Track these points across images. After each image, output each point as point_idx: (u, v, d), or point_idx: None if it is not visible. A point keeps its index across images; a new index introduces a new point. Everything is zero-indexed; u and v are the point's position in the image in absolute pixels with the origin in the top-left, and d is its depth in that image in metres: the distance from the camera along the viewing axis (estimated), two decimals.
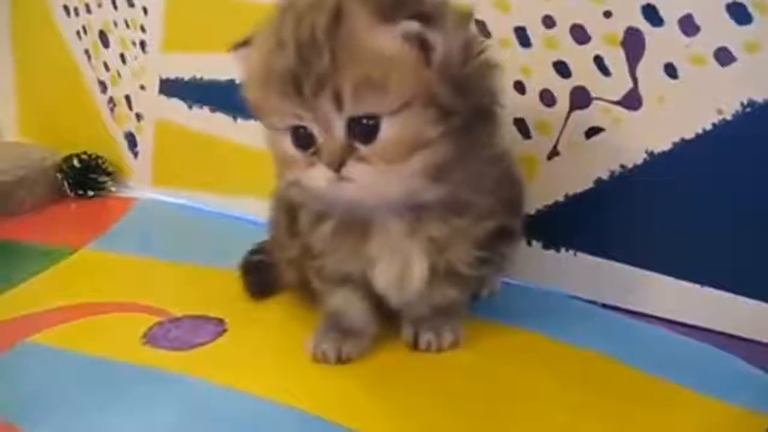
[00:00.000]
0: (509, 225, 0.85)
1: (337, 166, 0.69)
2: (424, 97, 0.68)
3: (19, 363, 0.85)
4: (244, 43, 0.74)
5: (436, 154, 0.70)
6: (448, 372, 0.81)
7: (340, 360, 0.83)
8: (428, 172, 0.71)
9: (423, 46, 0.68)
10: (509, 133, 0.96)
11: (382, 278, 0.80)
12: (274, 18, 0.71)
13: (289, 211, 0.85)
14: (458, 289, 0.84)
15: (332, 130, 0.69)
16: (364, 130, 0.68)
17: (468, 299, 0.88)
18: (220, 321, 0.93)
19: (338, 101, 0.67)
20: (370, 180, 0.69)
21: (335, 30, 0.67)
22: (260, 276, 0.98)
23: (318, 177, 0.70)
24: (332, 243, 0.80)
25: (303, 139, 0.71)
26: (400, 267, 0.79)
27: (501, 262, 0.89)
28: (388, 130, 0.68)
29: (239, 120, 1.27)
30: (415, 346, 0.84)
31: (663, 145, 0.89)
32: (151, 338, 0.90)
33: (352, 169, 0.69)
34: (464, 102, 0.70)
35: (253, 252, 1.01)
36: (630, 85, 0.90)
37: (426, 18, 0.67)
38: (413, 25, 0.67)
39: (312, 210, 0.80)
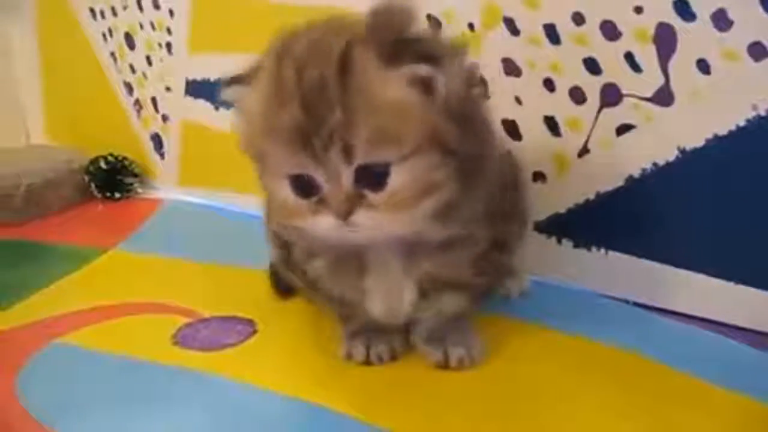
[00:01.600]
0: (500, 237, 0.82)
1: (345, 215, 0.66)
2: (430, 138, 0.65)
3: (50, 364, 0.85)
4: (238, 80, 0.71)
5: (443, 195, 0.68)
6: (478, 372, 0.81)
7: (371, 361, 0.82)
8: (435, 213, 0.69)
9: (426, 87, 0.65)
10: (541, 131, 0.97)
11: (376, 308, 0.80)
12: (269, 63, 0.68)
13: (283, 245, 0.84)
14: (464, 296, 0.82)
15: (340, 180, 0.66)
16: (373, 177, 0.66)
17: (474, 312, 0.85)
18: (250, 321, 0.93)
19: (348, 154, 0.64)
20: (377, 225, 0.67)
21: (345, 81, 0.64)
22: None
23: (323, 224, 0.68)
24: (327, 277, 0.80)
25: (305, 187, 0.68)
26: (392, 297, 0.79)
27: (498, 268, 0.87)
28: (397, 176, 0.66)
29: None
30: (446, 365, 0.81)
31: (696, 142, 0.88)
32: (181, 339, 0.90)
33: (360, 217, 0.67)
34: (464, 138, 0.67)
35: None
36: (662, 81, 0.89)
37: (430, 59, 0.65)
38: (422, 68, 0.65)
39: (303, 248, 0.79)
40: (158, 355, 0.86)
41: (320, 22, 0.69)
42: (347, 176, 0.66)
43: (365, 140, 0.64)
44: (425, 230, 0.71)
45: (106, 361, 0.85)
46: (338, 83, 0.63)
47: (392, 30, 0.66)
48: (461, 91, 0.67)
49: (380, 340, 0.83)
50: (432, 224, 0.70)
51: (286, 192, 0.69)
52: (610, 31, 0.91)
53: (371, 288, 0.79)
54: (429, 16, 1.01)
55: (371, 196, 0.66)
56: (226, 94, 0.72)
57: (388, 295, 0.79)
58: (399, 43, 0.65)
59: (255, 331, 0.91)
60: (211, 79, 1.34)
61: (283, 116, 0.65)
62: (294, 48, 0.66)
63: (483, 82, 0.73)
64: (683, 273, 0.93)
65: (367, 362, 0.82)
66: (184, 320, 0.94)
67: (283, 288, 0.99)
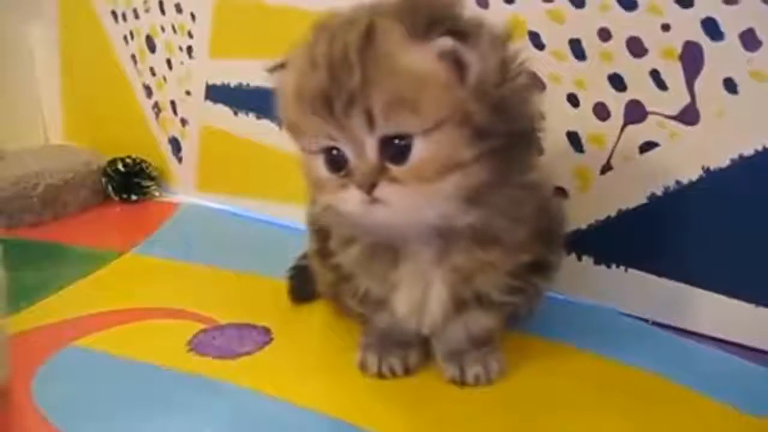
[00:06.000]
0: (544, 259, 0.82)
1: (369, 187, 0.67)
2: (458, 116, 0.65)
3: (65, 367, 0.85)
4: (280, 66, 0.73)
5: (471, 176, 0.67)
6: (495, 388, 0.81)
7: (383, 372, 0.82)
8: (463, 194, 0.69)
9: (457, 64, 0.66)
10: (564, 147, 0.96)
11: (403, 305, 0.78)
12: (308, 38, 0.70)
13: (319, 233, 0.84)
14: (492, 316, 0.81)
15: (364, 151, 0.67)
16: (396, 150, 0.66)
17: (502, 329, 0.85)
18: (266, 330, 0.93)
19: (370, 120, 0.65)
20: (402, 202, 0.67)
21: (367, 48, 0.65)
22: (305, 281, 0.97)
23: (350, 200, 0.68)
24: (359, 266, 0.79)
25: (336, 161, 0.69)
26: (420, 294, 0.77)
27: (534, 293, 0.86)
28: (420, 149, 0.66)
29: None
30: (462, 382, 0.81)
31: (720, 162, 0.88)
32: (196, 345, 0.89)
33: (385, 190, 0.67)
34: (501, 123, 0.67)
35: (303, 256, 1.00)
36: (687, 99, 0.88)
37: (461, 35, 0.65)
38: (447, 42, 0.65)
39: (340, 234, 0.79)
40: (173, 361, 0.86)
41: (365, 4, 0.70)
42: (371, 147, 0.66)
43: (383, 106, 0.64)
44: (454, 214, 0.70)
45: (122, 366, 0.85)
46: (360, 49, 0.65)
47: (426, 7, 0.67)
48: (497, 75, 0.67)
49: (394, 353, 0.83)
50: (460, 207, 0.70)
51: (319, 166, 0.70)
52: (637, 47, 0.90)
53: (401, 281, 0.77)
54: None
55: (395, 169, 0.67)
56: (271, 80, 0.74)
57: (415, 289, 0.77)
58: (432, 19, 0.66)
59: (270, 340, 0.91)
60: (231, 85, 1.34)
61: (311, 82, 0.67)
62: (330, 23, 0.69)
63: (533, 75, 0.72)
64: (703, 293, 0.92)
65: (380, 374, 0.82)
66: (199, 326, 0.94)
67: (299, 294, 1.00)
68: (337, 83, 0.65)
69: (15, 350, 0.84)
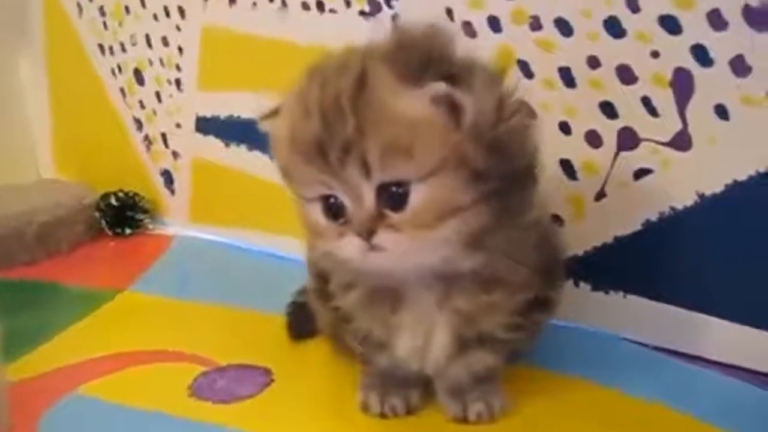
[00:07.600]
0: (545, 295, 0.82)
1: (367, 234, 0.66)
2: (454, 160, 0.65)
3: (68, 416, 0.84)
4: (273, 113, 0.73)
5: (471, 220, 0.67)
6: (497, 425, 0.80)
7: (385, 413, 0.82)
8: (463, 238, 0.68)
9: (452, 108, 0.65)
10: (557, 175, 0.97)
11: (405, 348, 0.78)
12: (301, 84, 0.69)
13: (318, 276, 0.83)
14: (494, 355, 0.80)
15: (361, 199, 0.66)
16: (393, 197, 0.66)
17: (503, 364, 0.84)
18: (267, 370, 0.92)
19: (365, 168, 0.65)
20: (401, 248, 0.67)
21: (359, 95, 0.65)
22: (304, 317, 0.96)
23: (348, 247, 0.68)
24: (360, 310, 0.78)
25: (333, 209, 0.69)
26: (423, 337, 0.77)
27: (536, 329, 0.86)
28: (418, 196, 0.66)
29: None
30: (464, 419, 0.81)
31: (714, 187, 0.88)
32: (197, 389, 0.89)
33: (383, 237, 0.66)
34: (499, 164, 0.66)
35: (301, 292, 0.99)
36: (679, 126, 0.88)
37: (454, 79, 0.65)
38: (441, 87, 0.64)
39: (340, 279, 0.78)
40: (174, 408, 0.85)
41: (359, 46, 0.70)
42: (369, 194, 0.66)
43: (379, 153, 0.64)
44: (455, 258, 0.70)
45: (125, 415, 0.84)
46: (353, 96, 0.64)
47: (418, 49, 0.67)
48: (493, 116, 0.67)
49: (396, 393, 0.82)
50: (461, 251, 0.69)
51: (316, 214, 0.70)
52: (627, 75, 0.90)
53: (402, 324, 0.76)
54: None
55: (393, 216, 0.66)
56: (264, 126, 0.74)
57: (417, 333, 0.76)
58: (425, 62, 0.65)
59: (271, 381, 0.90)
60: (221, 117, 1.34)
61: (304, 131, 0.67)
62: (323, 67, 0.69)
63: (527, 109, 0.72)
64: (701, 317, 0.92)
65: (382, 414, 0.82)
66: (200, 369, 0.93)
67: (299, 331, 0.99)
68: (331, 132, 0.65)
69: (16, 400, 0.83)
